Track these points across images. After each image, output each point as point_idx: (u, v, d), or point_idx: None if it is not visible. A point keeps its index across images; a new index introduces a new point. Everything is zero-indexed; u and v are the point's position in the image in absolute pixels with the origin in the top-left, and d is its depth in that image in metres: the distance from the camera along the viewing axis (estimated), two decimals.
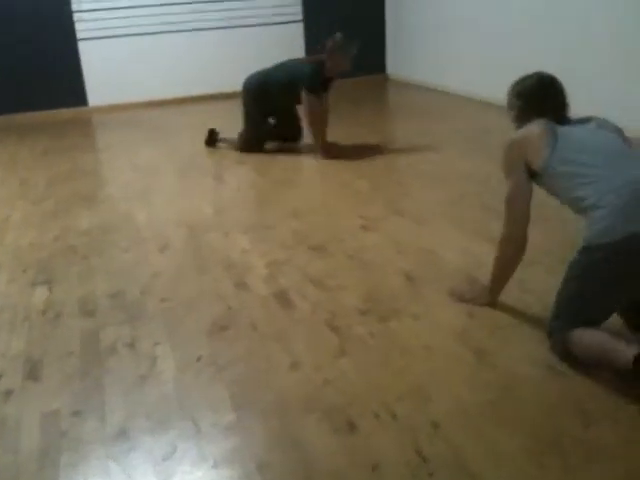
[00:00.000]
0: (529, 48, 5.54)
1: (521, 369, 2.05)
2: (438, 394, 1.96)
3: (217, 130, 5.17)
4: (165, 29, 7.11)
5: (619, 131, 2.22)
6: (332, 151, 4.60)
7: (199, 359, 2.22)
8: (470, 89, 6.41)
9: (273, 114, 4.90)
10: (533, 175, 2.22)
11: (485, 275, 2.50)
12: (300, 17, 7.52)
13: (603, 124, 2.23)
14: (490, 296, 2.45)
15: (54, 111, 6.89)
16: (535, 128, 2.21)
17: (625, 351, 1.84)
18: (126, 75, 7.09)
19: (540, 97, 2.30)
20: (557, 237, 3.02)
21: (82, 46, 6.86)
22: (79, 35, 6.82)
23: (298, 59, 4.91)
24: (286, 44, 7.33)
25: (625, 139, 2.19)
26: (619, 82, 4.70)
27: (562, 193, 2.17)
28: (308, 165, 4.60)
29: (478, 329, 2.31)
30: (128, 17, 6.95)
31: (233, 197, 3.97)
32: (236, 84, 7.32)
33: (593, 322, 2.01)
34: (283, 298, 2.62)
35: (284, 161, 4.61)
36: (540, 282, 2.59)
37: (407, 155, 4.60)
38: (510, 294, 2.49)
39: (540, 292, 2.50)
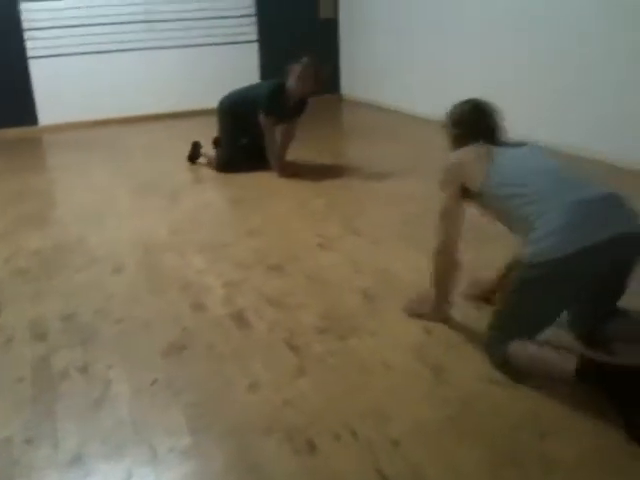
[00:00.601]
0: (479, 69, 5.68)
1: (478, 384, 2.08)
2: (398, 412, 1.96)
3: (201, 144, 5.07)
4: (118, 47, 7.04)
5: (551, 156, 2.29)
6: (288, 170, 4.60)
7: (154, 382, 2.18)
8: (423, 109, 6.52)
9: (246, 134, 4.83)
10: (473, 196, 2.28)
11: None
12: (255, 37, 7.55)
13: (537, 148, 2.34)
14: (440, 311, 2.49)
15: (3, 130, 6.73)
16: (471, 152, 2.30)
17: (566, 363, 1.90)
18: (77, 94, 6.98)
19: (474, 121, 2.40)
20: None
21: (33, 64, 6.75)
22: (30, 53, 6.70)
23: (273, 80, 4.74)
24: (241, 64, 7.35)
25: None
26: (563, 98, 4.85)
27: (502, 214, 2.24)
28: (265, 184, 4.59)
29: (435, 345, 2.33)
30: (80, 35, 6.86)
31: (189, 217, 3.93)
32: (190, 103, 7.37)
33: (533, 333, 2.08)
34: (240, 318, 2.60)
35: (241, 180, 4.59)
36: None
37: (362, 175, 4.64)
38: (466, 310, 2.52)
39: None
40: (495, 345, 2.13)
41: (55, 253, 3.41)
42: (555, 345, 2.04)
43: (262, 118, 4.49)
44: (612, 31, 4.39)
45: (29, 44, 6.68)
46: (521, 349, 2.03)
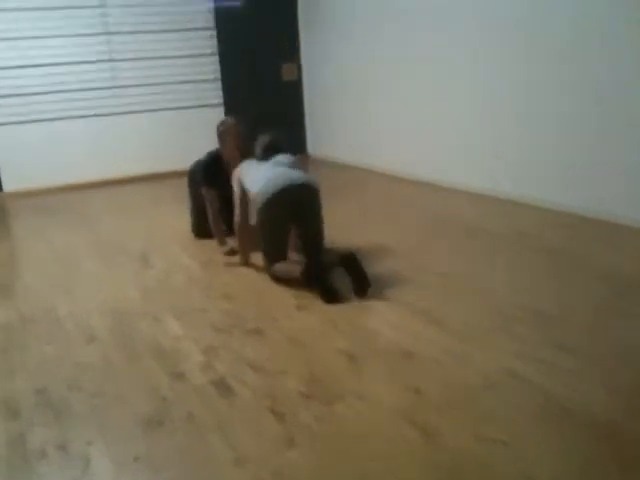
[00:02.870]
0: (429, 128, 5.83)
1: (468, 445, 2.04)
2: None
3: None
4: (82, 113, 7.04)
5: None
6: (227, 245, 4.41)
7: (136, 459, 2.09)
8: (380, 164, 6.65)
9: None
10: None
11: (422, 349, 2.50)
12: (221, 101, 7.64)
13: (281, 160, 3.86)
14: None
15: None
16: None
17: (297, 269, 3.46)
18: (41, 160, 6.93)
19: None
20: (485, 310, 3.09)
21: None
22: None
23: (210, 151, 4.61)
24: (207, 127, 7.37)
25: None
26: (524, 151, 4.98)
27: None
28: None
29: (424, 407, 2.28)
30: (43, 102, 6.85)
31: (161, 281, 3.86)
32: (157, 166, 7.36)
33: (279, 256, 3.64)
34: (221, 385, 2.53)
35: (212, 243, 4.54)
36: (483, 359, 2.62)
37: (331, 232, 4.64)
38: (453, 370, 2.50)
39: (481, 367, 2.53)
40: (266, 268, 3.68)
41: (23, 325, 3.30)
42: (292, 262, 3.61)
43: (204, 191, 4.42)
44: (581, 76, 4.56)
45: None
46: (277, 267, 3.60)
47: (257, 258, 3.96)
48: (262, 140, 4.01)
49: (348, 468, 1.97)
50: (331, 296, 3.31)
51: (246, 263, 4.00)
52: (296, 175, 3.68)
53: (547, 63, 4.70)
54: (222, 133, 4.45)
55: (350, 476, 1.93)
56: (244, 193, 3.84)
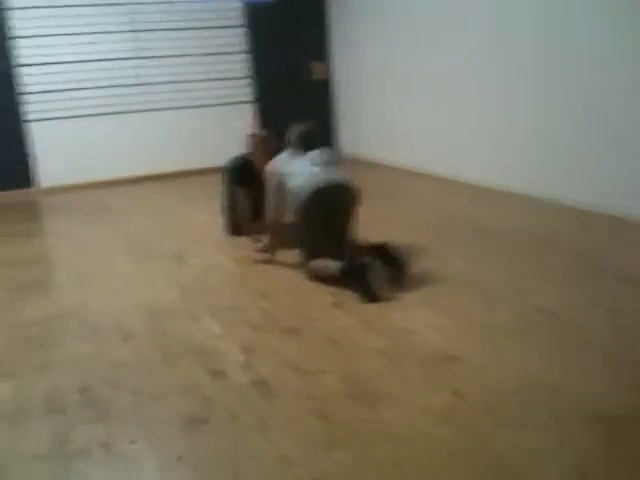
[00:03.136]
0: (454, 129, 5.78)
1: (511, 448, 2.00)
2: None
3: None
4: (113, 110, 7.10)
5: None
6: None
7: (180, 459, 2.08)
8: (411, 163, 6.60)
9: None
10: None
11: (461, 351, 2.47)
12: (250, 99, 7.65)
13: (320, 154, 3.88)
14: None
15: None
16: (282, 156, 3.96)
17: (334, 266, 3.47)
18: (73, 156, 7.00)
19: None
20: (520, 312, 3.04)
21: (29, 127, 6.76)
22: (26, 116, 6.73)
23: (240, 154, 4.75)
24: (234, 125, 7.39)
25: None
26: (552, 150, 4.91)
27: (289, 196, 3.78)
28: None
29: (465, 410, 2.25)
30: (76, 99, 6.92)
31: (196, 279, 3.86)
32: (185, 164, 7.39)
33: (318, 254, 3.61)
34: (262, 385, 2.51)
35: (245, 241, 4.53)
36: (521, 362, 2.58)
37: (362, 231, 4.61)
38: (492, 373, 2.46)
39: (519, 370, 2.48)
40: (304, 265, 3.69)
41: (59, 322, 3.32)
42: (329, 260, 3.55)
43: (236, 190, 4.53)
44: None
45: (25, 107, 6.71)
46: (314, 264, 3.61)
47: (284, 256, 3.97)
48: (296, 129, 4.03)
49: (392, 471, 1.94)
50: (371, 295, 3.31)
51: (272, 260, 4.02)
52: (334, 176, 3.74)
53: (568, 59, 4.65)
54: (251, 147, 4.56)
55: (394, 479, 1.90)
56: (280, 187, 3.83)
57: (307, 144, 3.95)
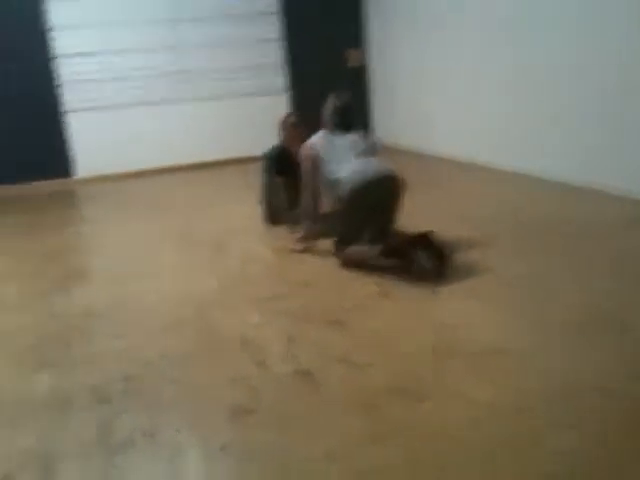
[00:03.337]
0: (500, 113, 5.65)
1: (577, 445, 1.92)
2: None
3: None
4: (152, 100, 7.11)
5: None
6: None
7: (223, 449, 2.05)
8: (449, 151, 6.48)
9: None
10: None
11: (511, 346, 2.39)
12: (286, 87, 7.60)
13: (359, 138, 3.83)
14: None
15: (37, 183, 6.76)
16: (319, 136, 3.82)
17: (373, 249, 3.49)
18: (112, 146, 7.04)
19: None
20: (573, 309, 2.94)
21: (68, 117, 6.81)
22: (65, 106, 6.78)
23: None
24: (272, 114, 7.32)
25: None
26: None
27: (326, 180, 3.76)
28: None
29: (520, 407, 2.17)
30: (115, 88, 6.95)
31: (237, 268, 3.83)
32: (222, 153, 7.38)
33: (355, 241, 3.60)
34: (307, 376, 2.47)
35: (284, 230, 4.49)
36: (573, 360, 2.49)
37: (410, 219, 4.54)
38: (545, 369, 2.38)
39: (573, 368, 2.40)
40: (339, 251, 3.65)
41: (102, 310, 3.32)
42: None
43: (275, 179, 4.54)
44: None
45: (65, 97, 6.76)
46: (350, 250, 3.58)
47: (322, 245, 3.93)
48: (331, 103, 3.89)
49: (439, 468, 1.88)
50: (419, 271, 3.29)
51: (309, 249, 3.96)
52: (382, 166, 3.70)
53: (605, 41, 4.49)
54: (283, 134, 4.56)
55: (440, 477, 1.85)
56: (316, 170, 3.76)
57: (343, 120, 3.83)
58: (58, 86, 6.74)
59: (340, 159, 3.70)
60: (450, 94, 6.59)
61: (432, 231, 3.46)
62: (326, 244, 3.93)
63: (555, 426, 2.04)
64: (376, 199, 3.65)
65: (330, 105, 3.88)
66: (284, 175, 4.44)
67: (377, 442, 2.03)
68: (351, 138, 3.81)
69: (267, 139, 4.97)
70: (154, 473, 1.97)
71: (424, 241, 3.39)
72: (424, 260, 3.35)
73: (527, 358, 2.49)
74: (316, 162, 3.76)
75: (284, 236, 4.36)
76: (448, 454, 1.94)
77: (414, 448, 1.98)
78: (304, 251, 3.98)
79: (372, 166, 3.66)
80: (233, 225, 4.80)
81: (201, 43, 7.20)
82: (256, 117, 7.35)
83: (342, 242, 3.66)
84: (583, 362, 2.42)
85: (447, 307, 3.05)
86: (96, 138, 6.96)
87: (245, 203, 5.27)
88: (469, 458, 1.92)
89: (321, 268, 3.72)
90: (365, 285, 3.37)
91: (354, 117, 3.92)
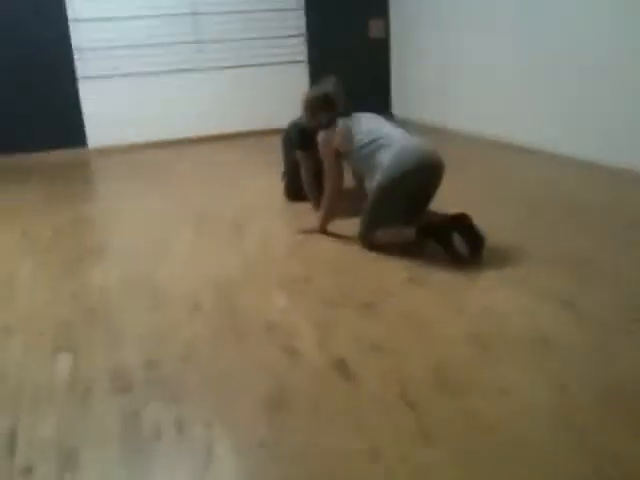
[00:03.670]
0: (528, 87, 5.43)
1: (634, 445, 1.78)
2: None
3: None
4: (167, 69, 6.91)
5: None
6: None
7: (262, 446, 1.91)
8: (470, 127, 6.27)
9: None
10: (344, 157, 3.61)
11: (559, 338, 2.24)
12: (305, 58, 7.37)
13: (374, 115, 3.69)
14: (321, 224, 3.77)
15: (50, 152, 6.61)
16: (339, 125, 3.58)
17: (408, 230, 3.32)
18: (126, 115, 6.85)
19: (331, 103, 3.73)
20: (622, 297, 2.78)
21: (82, 85, 6.62)
22: (79, 74, 6.59)
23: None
24: (290, 84, 7.14)
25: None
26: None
27: (360, 162, 3.52)
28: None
29: (570, 404, 2.03)
30: (129, 57, 6.75)
31: (259, 248, 3.68)
32: (239, 125, 7.19)
33: (387, 224, 3.39)
34: (342, 367, 2.33)
35: (306, 206, 4.32)
36: (627, 353, 2.34)
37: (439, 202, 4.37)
38: (596, 364, 2.23)
39: (626, 361, 2.25)
40: (368, 234, 3.46)
41: (121, 290, 3.18)
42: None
43: (299, 155, 4.27)
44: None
45: (78, 65, 6.57)
46: (383, 232, 3.41)
47: (345, 227, 3.73)
48: (321, 94, 3.79)
49: (492, 468, 1.74)
50: (453, 252, 3.22)
51: (326, 230, 3.78)
52: (431, 150, 3.45)
53: None
54: (303, 105, 4.26)
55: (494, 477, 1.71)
56: (338, 166, 3.62)
57: (345, 106, 3.69)
58: (73, 52, 6.53)
59: (377, 140, 3.44)
60: (479, 67, 6.34)
61: (465, 213, 3.28)
62: (349, 224, 3.76)
63: (609, 424, 1.89)
64: (422, 184, 3.43)
65: (321, 97, 3.77)
66: (307, 150, 4.25)
67: (424, 441, 1.89)
68: (372, 117, 3.66)
69: (287, 111, 4.78)
70: (185, 468, 1.84)
71: (461, 222, 3.22)
72: (459, 243, 3.21)
73: (578, 350, 2.34)
74: (338, 157, 3.60)
75: (306, 213, 4.19)
76: (499, 454, 1.80)
77: (464, 449, 1.84)
78: (316, 233, 3.80)
79: (420, 147, 3.42)
80: (253, 201, 4.64)
81: (220, 11, 6.96)
82: (276, 88, 7.14)
83: (374, 224, 3.46)
84: (637, 359, 2.27)
85: (484, 293, 2.90)
86: (111, 107, 6.78)
87: (266, 177, 5.11)
88: (520, 458, 1.78)
89: (346, 248, 3.56)
90: (396, 270, 3.21)
91: (340, 106, 3.73)
